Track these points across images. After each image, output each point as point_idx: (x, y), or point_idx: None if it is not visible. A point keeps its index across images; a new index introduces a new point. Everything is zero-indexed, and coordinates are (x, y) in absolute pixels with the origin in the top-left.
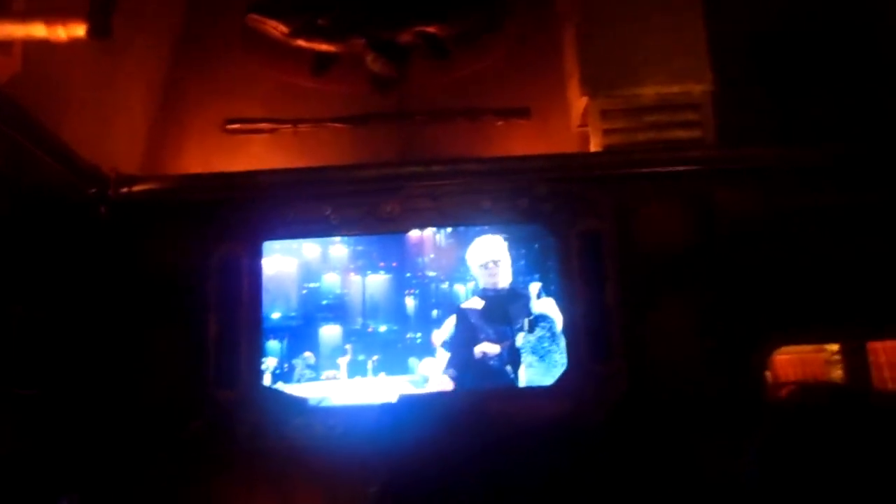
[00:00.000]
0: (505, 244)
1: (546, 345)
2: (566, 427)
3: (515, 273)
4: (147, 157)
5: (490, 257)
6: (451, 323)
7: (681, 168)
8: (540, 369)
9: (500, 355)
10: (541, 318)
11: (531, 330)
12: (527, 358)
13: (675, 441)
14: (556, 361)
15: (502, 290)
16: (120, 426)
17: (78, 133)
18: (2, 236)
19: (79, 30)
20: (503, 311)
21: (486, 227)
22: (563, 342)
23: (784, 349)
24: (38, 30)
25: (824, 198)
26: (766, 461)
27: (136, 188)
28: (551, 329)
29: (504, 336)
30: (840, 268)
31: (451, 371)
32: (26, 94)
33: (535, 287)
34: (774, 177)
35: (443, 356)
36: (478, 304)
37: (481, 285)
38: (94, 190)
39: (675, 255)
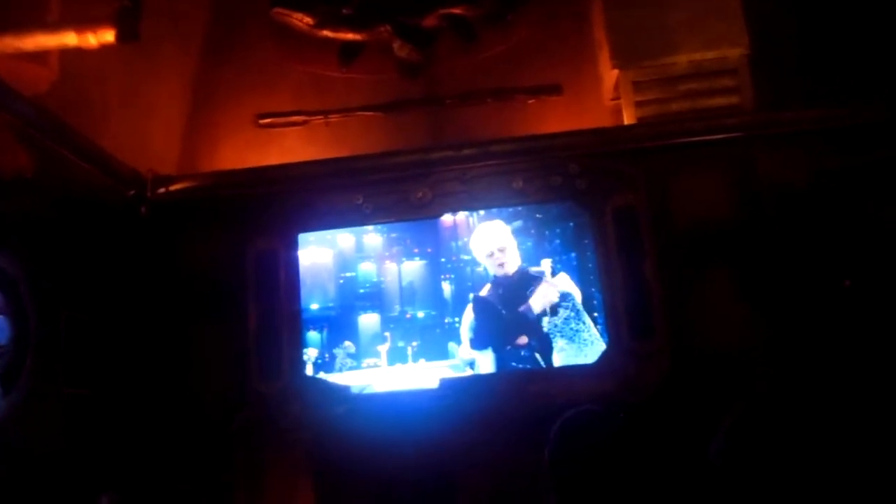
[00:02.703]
0: (508, 228)
1: (573, 325)
2: (608, 407)
3: (550, 253)
4: (183, 157)
5: (495, 245)
6: (469, 312)
7: (719, 136)
8: (571, 351)
9: (529, 345)
10: (561, 297)
11: (554, 312)
12: (557, 342)
13: (722, 415)
14: (585, 340)
15: (513, 275)
16: (166, 421)
17: (116, 137)
18: (46, 244)
19: (108, 36)
20: (520, 296)
21: (495, 212)
22: (587, 318)
23: None
24: (70, 38)
25: (871, 156)
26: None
27: (173, 187)
28: (574, 307)
29: (526, 322)
30: (893, 227)
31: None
32: (65, 102)
33: (547, 264)
34: (817, 139)
35: (467, 345)
36: (496, 289)
37: (490, 273)
38: (132, 192)
39: (718, 226)
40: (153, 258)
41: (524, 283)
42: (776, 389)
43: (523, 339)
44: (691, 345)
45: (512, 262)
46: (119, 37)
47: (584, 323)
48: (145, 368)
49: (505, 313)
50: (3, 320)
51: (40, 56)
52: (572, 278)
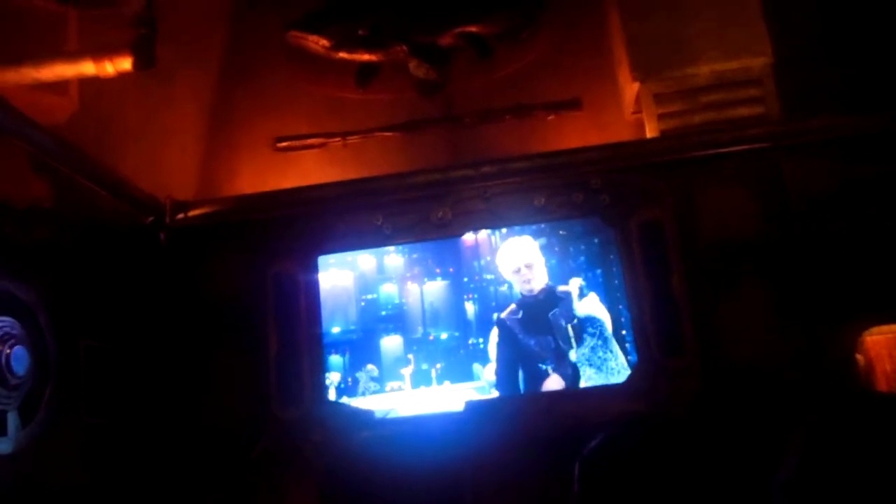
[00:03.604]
0: (536, 244)
1: (601, 354)
2: (638, 425)
3: (575, 270)
4: (201, 182)
5: (522, 261)
6: (494, 335)
7: (744, 147)
8: (599, 381)
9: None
10: (587, 323)
11: (579, 340)
12: (585, 371)
13: (758, 435)
14: (613, 369)
15: (539, 293)
16: (186, 450)
17: (134, 164)
18: (64, 272)
19: (125, 63)
20: (543, 318)
21: (520, 228)
22: (615, 346)
23: (876, 329)
24: (87, 67)
25: None
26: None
27: (192, 213)
28: (602, 334)
29: (547, 346)
30: None
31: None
32: (83, 130)
33: (575, 284)
34: (847, 147)
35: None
36: (516, 313)
37: (516, 291)
38: (151, 219)
39: (746, 238)
40: (172, 284)
41: (550, 303)
42: (844, 412)
43: (559, 383)
44: (722, 360)
45: (539, 280)
46: (136, 64)
47: (611, 352)
48: (165, 396)
49: (526, 336)
50: (21, 350)
51: (60, 86)
52: (598, 296)
